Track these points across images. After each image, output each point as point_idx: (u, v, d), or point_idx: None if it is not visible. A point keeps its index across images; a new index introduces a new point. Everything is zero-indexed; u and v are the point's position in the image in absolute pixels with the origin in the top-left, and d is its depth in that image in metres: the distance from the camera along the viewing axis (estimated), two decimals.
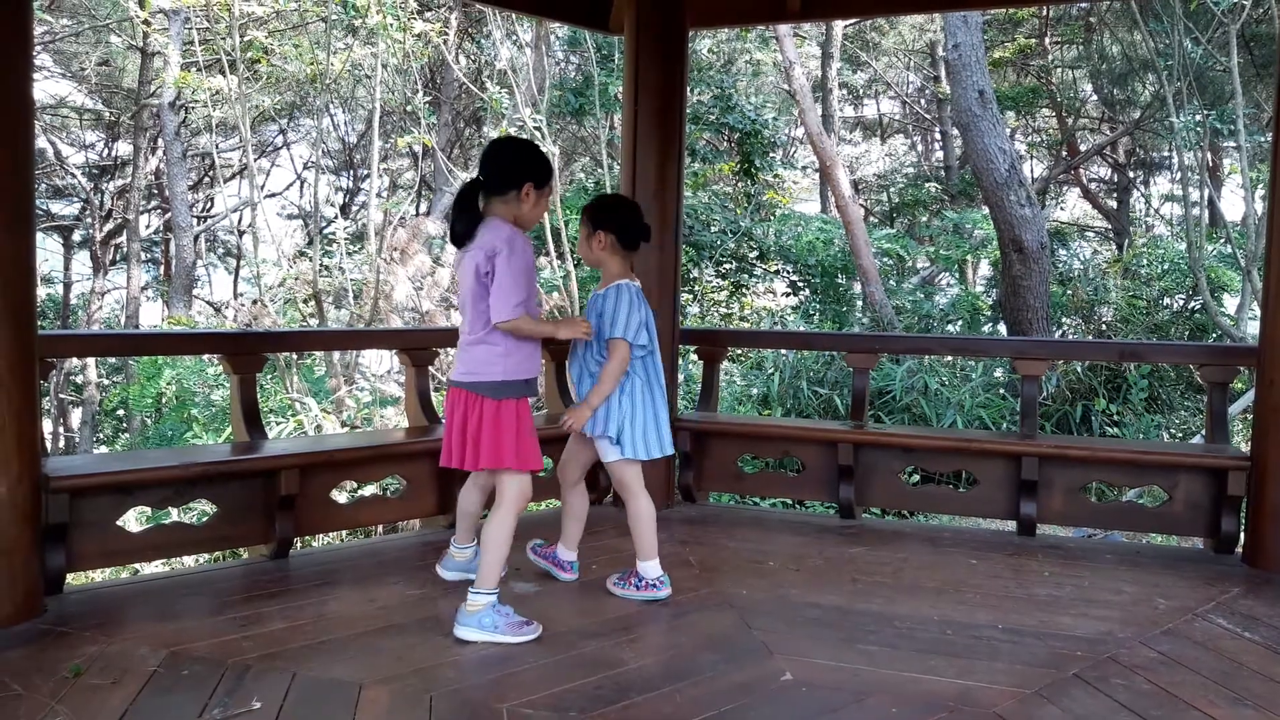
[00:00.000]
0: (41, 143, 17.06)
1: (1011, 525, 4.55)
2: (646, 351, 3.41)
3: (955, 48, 10.37)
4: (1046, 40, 16.86)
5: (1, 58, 2.98)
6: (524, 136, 9.82)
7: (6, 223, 2.99)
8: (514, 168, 3.15)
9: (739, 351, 10.78)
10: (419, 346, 4.61)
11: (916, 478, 5.21)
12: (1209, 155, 12.49)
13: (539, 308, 3.24)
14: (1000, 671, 2.84)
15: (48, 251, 18.98)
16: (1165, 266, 11.67)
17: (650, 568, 3.44)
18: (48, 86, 17.25)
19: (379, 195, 14.78)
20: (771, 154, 14.25)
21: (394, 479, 4.42)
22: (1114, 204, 19.06)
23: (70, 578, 3.42)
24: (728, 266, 13.67)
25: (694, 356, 6.71)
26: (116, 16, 14.80)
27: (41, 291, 16.05)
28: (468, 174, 12.31)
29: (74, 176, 18.05)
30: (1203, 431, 4.87)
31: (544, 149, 9.98)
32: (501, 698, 2.60)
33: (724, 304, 13.62)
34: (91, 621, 3.09)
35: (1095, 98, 17.06)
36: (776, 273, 14.06)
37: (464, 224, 3.11)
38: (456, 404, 3.14)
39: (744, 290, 13.78)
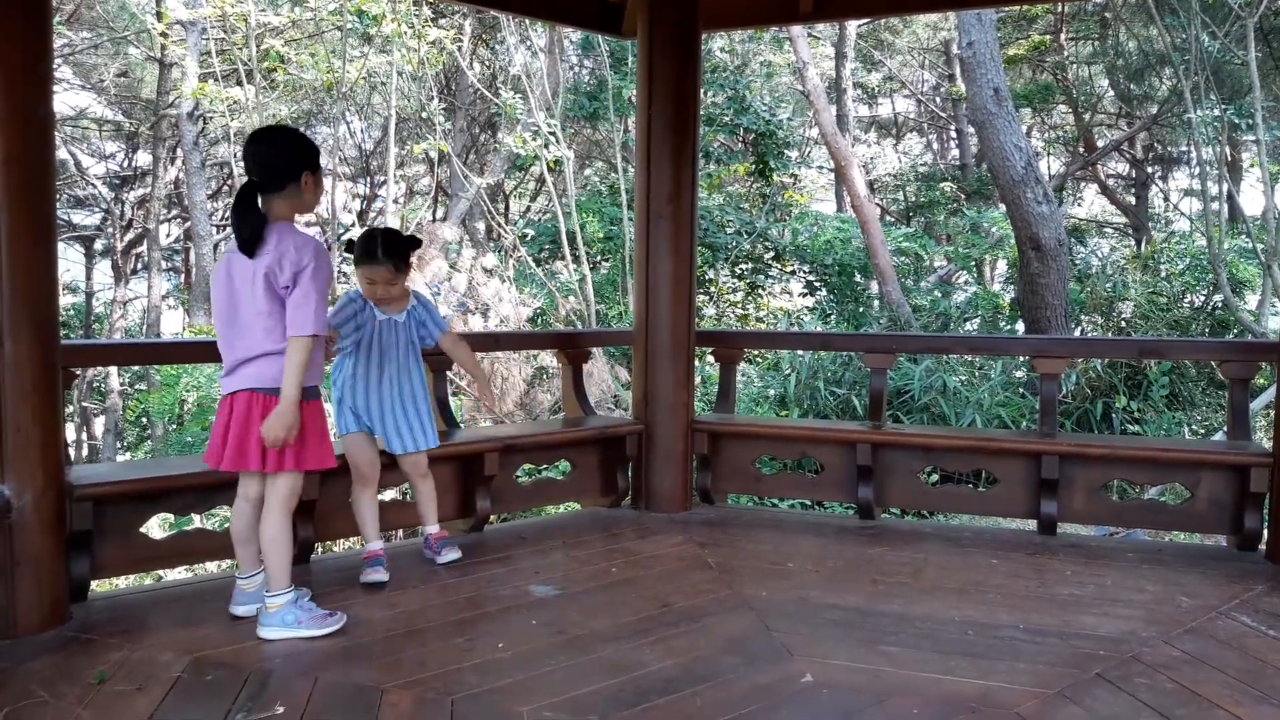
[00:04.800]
0: (62, 154, 17.23)
1: (1032, 524, 4.53)
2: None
3: (969, 45, 10.33)
4: (1062, 36, 16.77)
5: (23, 71, 3.02)
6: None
7: (29, 234, 3.03)
8: (288, 160, 3.07)
9: (755, 353, 10.77)
10: (434, 353, 4.62)
11: (936, 477, 5.19)
12: (1227, 150, 12.39)
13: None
14: (1022, 672, 2.83)
15: (70, 261, 19.14)
16: (1185, 262, 11.58)
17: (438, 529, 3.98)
18: (68, 98, 17.41)
19: (396, 201, 14.87)
20: (786, 154, 14.23)
21: None
22: (1132, 200, 18.92)
23: (95, 585, 3.45)
24: (744, 267, 13.66)
25: (710, 358, 6.71)
26: (135, 28, 14.94)
27: (65, 301, 16.20)
28: (483, 179, 12.35)
29: (95, 187, 18.22)
30: (1224, 428, 4.84)
31: (558, 153, 10.10)
32: (522, 701, 2.61)
33: (740, 305, 13.61)
34: (116, 628, 3.12)
35: (1112, 93, 16.95)
36: (793, 273, 14.04)
37: (250, 229, 2.98)
38: (243, 408, 3.02)
39: (760, 291, 13.77)
